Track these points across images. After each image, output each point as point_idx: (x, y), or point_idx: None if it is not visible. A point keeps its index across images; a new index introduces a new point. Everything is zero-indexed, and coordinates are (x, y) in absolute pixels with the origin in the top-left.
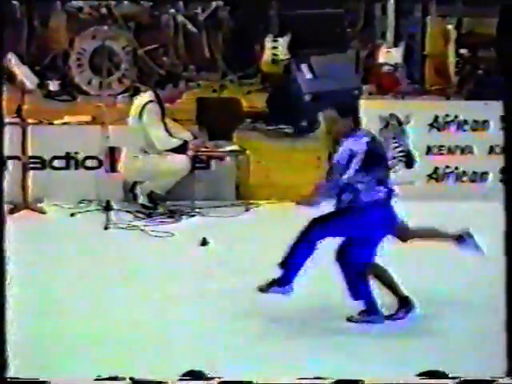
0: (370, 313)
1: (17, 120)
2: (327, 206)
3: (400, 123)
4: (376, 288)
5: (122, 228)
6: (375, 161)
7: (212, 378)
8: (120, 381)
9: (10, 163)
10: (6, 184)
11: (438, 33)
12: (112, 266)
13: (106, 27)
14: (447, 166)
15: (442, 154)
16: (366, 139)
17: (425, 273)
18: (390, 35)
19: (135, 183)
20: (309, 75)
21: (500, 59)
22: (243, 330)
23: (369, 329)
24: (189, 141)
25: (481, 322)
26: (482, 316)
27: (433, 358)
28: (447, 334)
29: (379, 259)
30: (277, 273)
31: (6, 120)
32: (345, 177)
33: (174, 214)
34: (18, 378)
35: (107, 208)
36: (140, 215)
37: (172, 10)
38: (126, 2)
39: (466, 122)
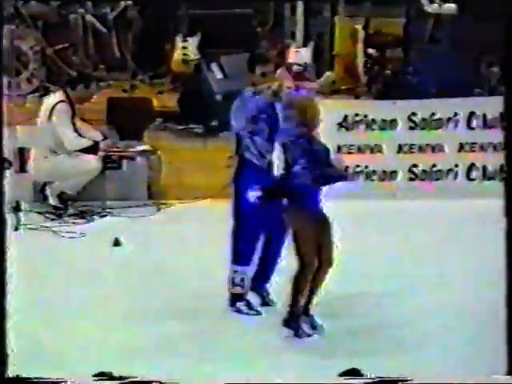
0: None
1: None
2: None
3: None
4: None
5: (32, 229)
6: None
7: (124, 378)
8: None
9: None
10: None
11: (346, 33)
12: (22, 268)
13: (13, 27)
14: (357, 165)
15: (351, 153)
16: None
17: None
18: (299, 35)
19: (45, 184)
20: (219, 75)
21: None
22: (157, 330)
23: None
24: (99, 141)
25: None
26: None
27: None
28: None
29: None
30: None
31: None
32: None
33: (85, 215)
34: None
35: (16, 209)
36: (50, 216)
37: (81, 10)
38: (33, 2)
39: (374, 121)
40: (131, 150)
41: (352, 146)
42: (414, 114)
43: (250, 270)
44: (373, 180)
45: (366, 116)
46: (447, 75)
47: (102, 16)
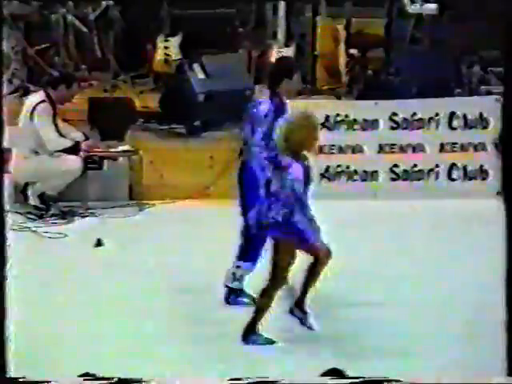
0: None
1: None
2: None
3: None
4: None
5: (13, 230)
6: None
7: (109, 379)
8: None
9: None
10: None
11: (328, 33)
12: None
13: None
14: (338, 166)
15: (333, 153)
16: None
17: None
18: (281, 35)
19: (26, 184)
20: (201, 75)
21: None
22: (138, 331)
23: None
24: (81, 141)
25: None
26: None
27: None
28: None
29: None
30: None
31: None
32: None
33: (66, 215)
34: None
35: None
36: (31, 216)
37: (62, 10)
38: (14, 2)
39: (356, 121)
40: (113, 150)
41: (333, 146)
42: (395, 114)
43: (253, 268)
44: (354, 180)
45: (347, 116)
46: (428, 75)
47: (83, 16)
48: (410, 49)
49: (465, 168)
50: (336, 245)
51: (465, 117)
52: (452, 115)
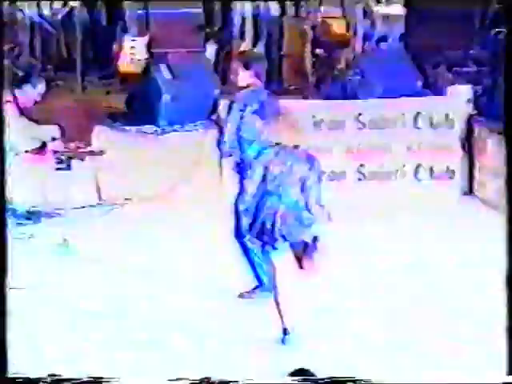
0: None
1: None
2: None
3: None
4: None
5: None
6: None
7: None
8: None
9: None
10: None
11: (294, 33)
12: None
13: None
14: None
15: None
16: None
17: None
18: (247, 35)
19: None
20: (168, 75)
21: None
22: (104, 330)
23: None
24: (48, 142)
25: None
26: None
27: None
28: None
29: None
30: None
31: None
32: None
33: (33, 216)
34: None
35: None
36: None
37: (28, 10)
38: None
39: (322, 121)
40: (80, 150)
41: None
42: (361, 114)
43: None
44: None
45: (314, 116)
46: (394, 75)
47: (49, 16)
48: (376, 49)
49: (431, 168)
50: None
51: (431, 117)
52: (418, 115)
